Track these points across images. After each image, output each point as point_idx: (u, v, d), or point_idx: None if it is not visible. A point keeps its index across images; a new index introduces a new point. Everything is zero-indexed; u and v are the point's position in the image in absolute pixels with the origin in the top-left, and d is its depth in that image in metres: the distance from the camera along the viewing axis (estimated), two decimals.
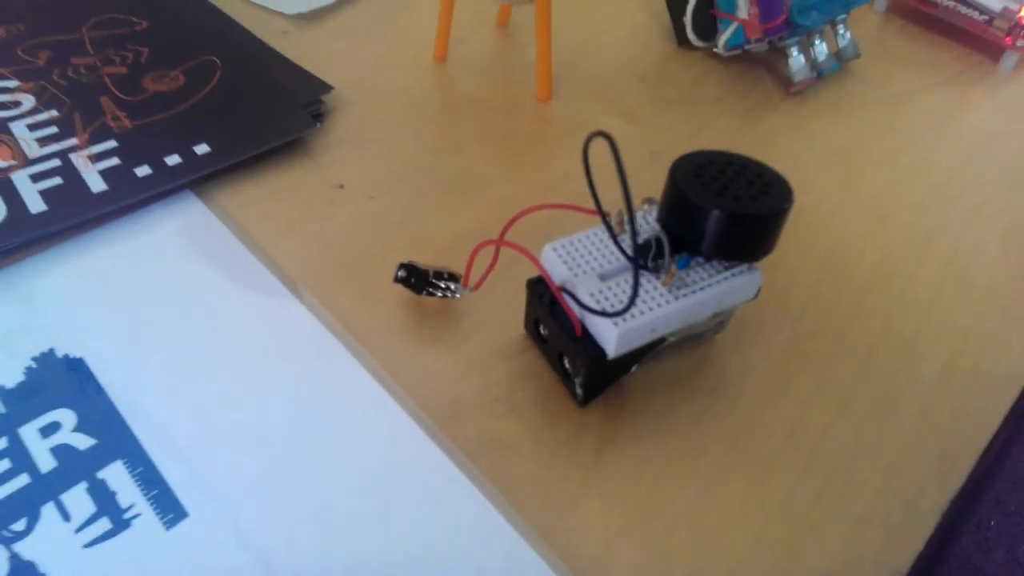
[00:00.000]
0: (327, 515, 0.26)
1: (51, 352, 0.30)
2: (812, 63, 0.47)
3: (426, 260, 0.32)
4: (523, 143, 0.42)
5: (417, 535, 0.26)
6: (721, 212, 0.26)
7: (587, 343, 0.27)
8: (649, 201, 0.29)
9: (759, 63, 0.49)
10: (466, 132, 0.42)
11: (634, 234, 0.23)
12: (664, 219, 0.28)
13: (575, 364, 0.28)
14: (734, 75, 0.48)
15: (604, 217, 0.27)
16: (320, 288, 0.32)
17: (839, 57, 0.48)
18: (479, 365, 0.30)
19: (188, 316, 0.32)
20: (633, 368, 0.29)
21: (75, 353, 0.30)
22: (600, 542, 0.26)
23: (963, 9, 0.50)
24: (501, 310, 0.32)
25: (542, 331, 0.30)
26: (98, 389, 0.29)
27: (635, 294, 0.24)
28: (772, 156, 0.30)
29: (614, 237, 0.27)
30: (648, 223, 0.29)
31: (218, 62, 0.43)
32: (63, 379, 0.29)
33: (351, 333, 0.31)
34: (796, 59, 0.46)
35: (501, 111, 0.43)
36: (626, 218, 0.29)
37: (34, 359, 0.30)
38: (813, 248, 0.37)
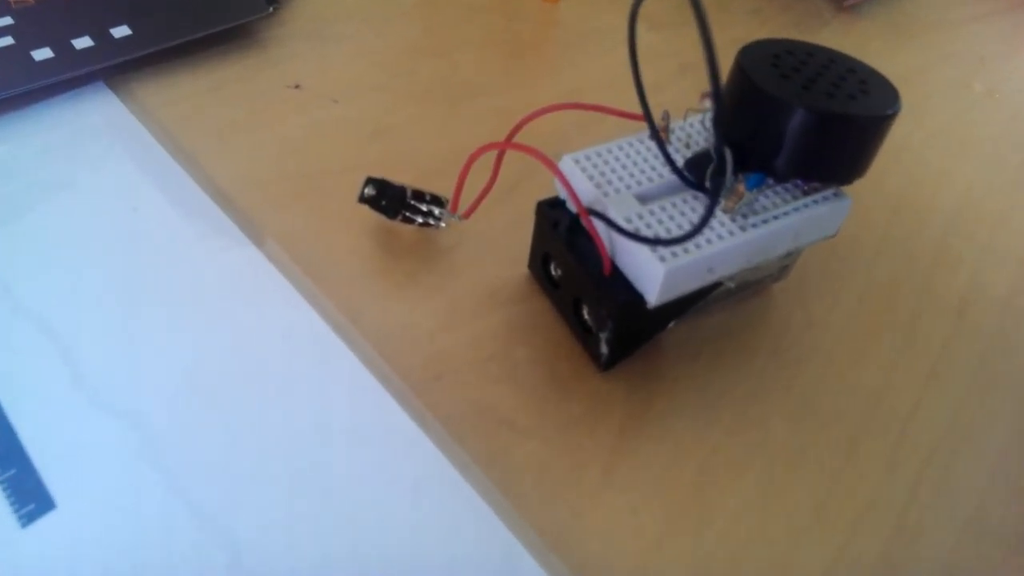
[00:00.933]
0: (270, 499, 0.19)
1: None
2: None
3: (404, 180, 0.25)
4: (525, 49, 0.34)
5: (385, 532, 0.19)
6: (808, 111, 0.19)
7: (617, 286, 0.20)
8: (706, 97, 0.22)
9: None
10: (457, 32, 0.34)
11: (719, 114, 0.16)
12: (726, 124, 0.21)
13: (599, 314, 0.21)
14: None
15: (648, 116, 0.20)
16: (263, 208, 0.25)
17: None
18: (468, 313, 0.23)
19: (93, 236, 0.24)
20: (671, 324, 0.22)
21: None
22: (629, 556, 0.19)
23: None
24: (499, 243, 0.25)
25: (554, 271, 0.23)
26: None
27: (709, 215, 0.17)
28: None
29: (660, 143, 0.20)
30: (706, 129, 0.22)
31: None
32: None
33: (301, 266, 0.24)
34: None
35: (500, 10, 0.36)
36: (675, 123, 0.22)
37: None
38: (881, 184, 0.30)
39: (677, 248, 0.19)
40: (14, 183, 0.25)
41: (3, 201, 0.25)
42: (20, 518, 0.18)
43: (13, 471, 0.19)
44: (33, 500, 0.19)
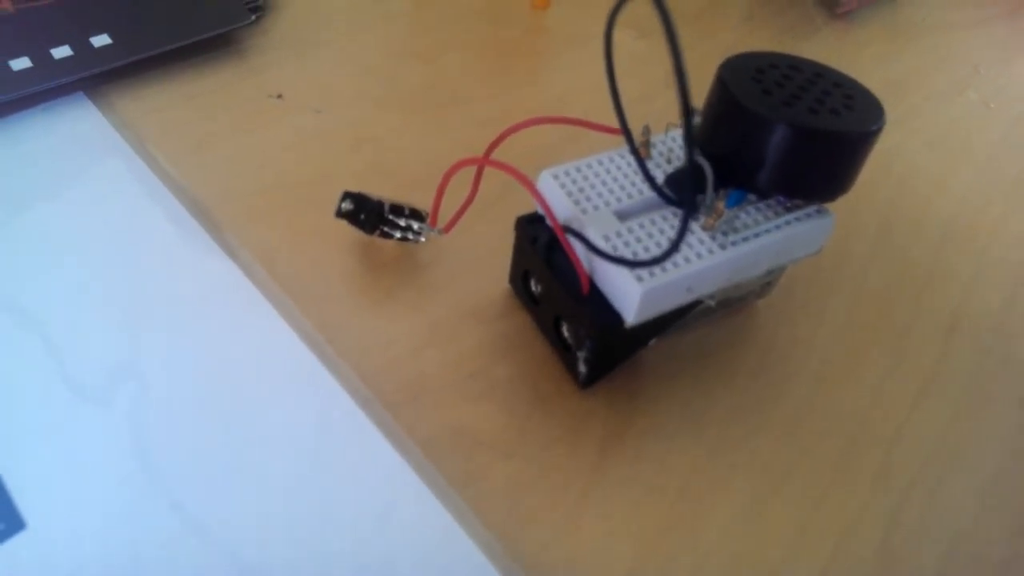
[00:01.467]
0: (238, 523, 0.19)
1: None
2: None
3: (385, 192, 0.24)
4: (513, 56, 0.34)
5: (360, 558, 0.18)
6: (790, 127, 0.19)
7: (596, 304, 0.20)
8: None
9: None
10: (443, 38, 0.34)
11: (689, 144, 0.16)
12: (707, 139, 0.20)
13: (578, 333, 0.20)
14: None
15: (627, 131, 0.19)
16: (240, 221, 0.25)
17: None
18: (448, 331, 0.23)
19: (69, 248, 0.24)
20: (652, 342, 0.22)
21: None
22: None
23: None
24: (480, 259, 0.24)
25: (534, 287, 0.22)
26: None
27: (680, 238, 0.16)
28: None
29: (639, 160, 0.20)
30: (679, 150, 0.22)
31: None
32: None
33: (278, 281, 0.23)
34: None
35: (488, 16, 0.35)
36: (655, 137, 0.22)
37: None
38: (872, 195, 0.29)
39: (655, 267, 0.18)
40: None
41: None
42: None
43: None
44: (3, 521, 0.18)
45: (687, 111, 0.15)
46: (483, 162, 0.20)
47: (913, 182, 0.30)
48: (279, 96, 0.29)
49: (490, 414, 0.21)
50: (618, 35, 0.36)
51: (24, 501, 0.19)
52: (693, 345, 0.23)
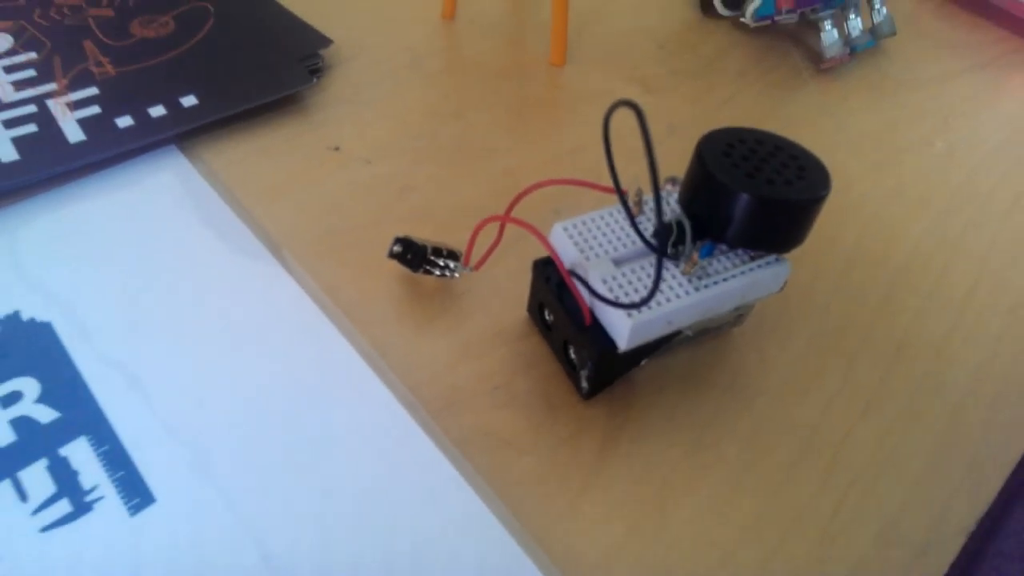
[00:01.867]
0: (306, 506, 0.24)
1: (16, 315, 0.28)
2: (845, 39, 0.44)
3: (425, 233, 0.30)
4: (534, 110, 0.39)
5: (405, 534, 0.24)
6: (751, 196, 0.24)
7: (596, 333, 0.25)
8: (672, 181, 0.27)
9: (787, 36, 0.47)
10: (472, 96, 0.39)
11: (660, 216, 0.21)
12: (687, 201, 0.25)
13: (581, 355, 0.26)
14: (760, 48, 0.45)
15: (622, 196, 0.25)
16: (308, 258, 0.30)
17: (873, 34, 0.45)
18: (477, 350, 0.28)
19: (166, 282, 0.29)
20: (643, 362, 0.27)
21: (42, 317, 0.28)
22: (600, 550, 0.24)
23: None
24: (504, 291, 0.30)
25: (547, 316, 0.27)
26: (64, 357, 0.27)
27: (655, 287, 0.22)
28: (798, 137, 0.27)
29: (632, 219, 0.25)
30: (669, 204, 0.27)
31: (211, 8, 0.40)
32: (28, 344, 0.27)
33: (340, 308, 0.29)
34: (829, 33, 0.43)
35: (511, 75, 0.41)
36: (646, 197, 0.27)
37: None
38: (840, 237, 0.34)
39: (641, 307, 0.23)
40: (97, 237, 0.31)
41: (87, 252, 0.30)
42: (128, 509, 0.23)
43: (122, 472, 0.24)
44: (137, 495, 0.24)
45: (657, 192, 0.20)
46: (505, 219, 0.26)
47: (877, 226, 0.35)
48: (336, 148, 0.35)
49: (511, 419, 0.26)
50: (628, 89, 0.41)
51: (152, 478, 0.24)
52: (678, 365, 0.28)
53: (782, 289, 0.27)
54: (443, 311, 0.29)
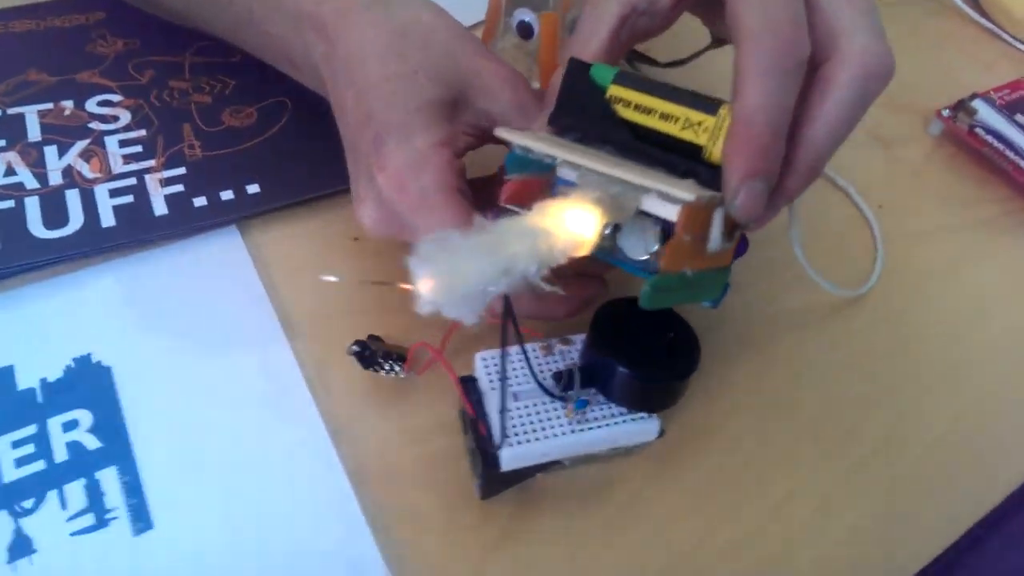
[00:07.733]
0: (251, 554, 0.32)
1: (88, 356, 0.37)
2: None
3: (407, 327, 0.36)
4: None
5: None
6: (626, 371, 0.29)
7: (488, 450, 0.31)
8: (564, 340, 0.32)
9: None
10: None
11: (504, 379, 0.26)
12: (584, 357, 0.31)
13: (475, 461, 0.31)
14: None
15: (524, 352, 0.30)
16: (308, 337, 0.37)
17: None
18: (420, 437, 0.34)
19: (197, 343, 0.38)
20: (536, 475, 0.32)
21: (107, 361, 0.37)
22: None
23: (1011, 154, 0.48)
24: (443, 393, 0.35)
25: (466, 425, 0.33)
26: (114, 397, 0.36)
27: (503, 431, 0.27)
28: None
29: (531, 368, 0.30)
30: (575, 351, 0.32)
31: (289, 104, 0.47)
32: (91, 382, 0.36)
33: (322, 386, 0.36)
34: None
35: None
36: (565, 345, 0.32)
37: (74, 359, 0.37)
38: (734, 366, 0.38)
39: (512, 440, 0.29)
40: (158, 298, 0.39)
41: (148, 311, 0.39)
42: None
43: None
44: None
45: (526, 355, 0.26)
46: (437, 357, 0.32)
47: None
48: (356, 239, 0.42)
49: (432, 501, 0.33)
50: None
51: (154, 508, 0.33)
52: (585, 474, 0.33)
53: (662, 435, 0.31)
54: (398, 399, 0.36)
